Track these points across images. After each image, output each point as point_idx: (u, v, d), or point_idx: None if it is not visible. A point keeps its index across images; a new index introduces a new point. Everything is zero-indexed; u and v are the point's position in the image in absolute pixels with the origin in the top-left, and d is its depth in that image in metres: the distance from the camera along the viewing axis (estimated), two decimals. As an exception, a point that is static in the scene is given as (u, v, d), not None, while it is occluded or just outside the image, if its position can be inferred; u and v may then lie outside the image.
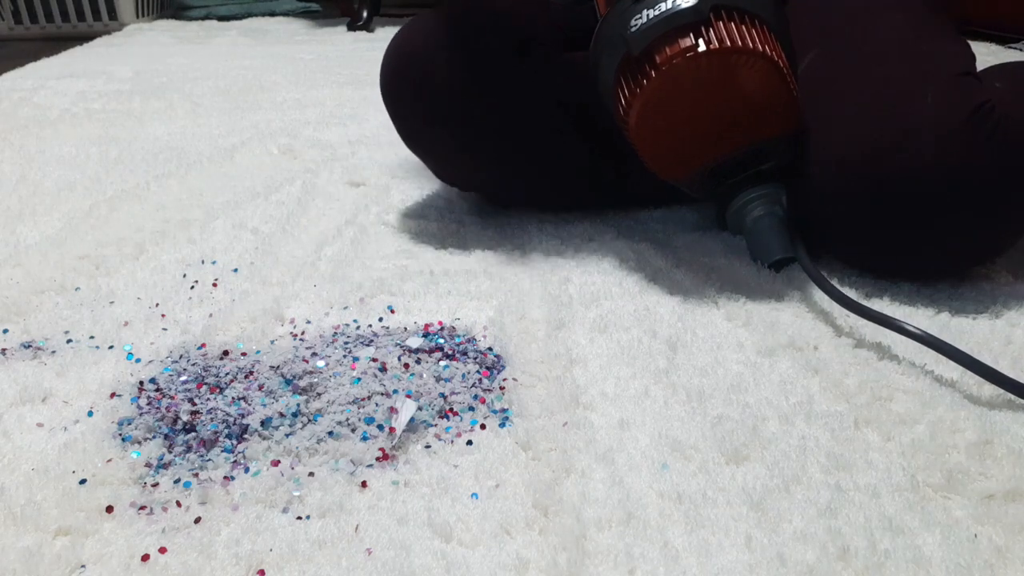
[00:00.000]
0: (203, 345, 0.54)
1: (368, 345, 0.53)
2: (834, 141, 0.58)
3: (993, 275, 0.61)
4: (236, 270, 0.66)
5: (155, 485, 0.42)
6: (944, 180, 0.53)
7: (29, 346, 0.55)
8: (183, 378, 0.50)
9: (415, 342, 0.53)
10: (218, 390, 0.49)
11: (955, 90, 0.55)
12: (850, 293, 0.59)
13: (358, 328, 0.56)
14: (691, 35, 0.54)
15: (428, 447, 0.44)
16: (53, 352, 0.54)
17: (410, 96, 0.68)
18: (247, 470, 0.43)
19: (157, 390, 0.49)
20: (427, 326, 0.56)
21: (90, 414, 0.47)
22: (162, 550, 0.38)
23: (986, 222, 0.55)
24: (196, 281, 0.64)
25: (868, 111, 0.57)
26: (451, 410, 0.47)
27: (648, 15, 0.55)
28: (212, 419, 0.46)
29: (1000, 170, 0.53)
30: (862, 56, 0.61)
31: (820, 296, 0.59)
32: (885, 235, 0.57)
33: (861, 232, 0.59)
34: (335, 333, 0.56)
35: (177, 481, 0.42)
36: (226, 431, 0.45)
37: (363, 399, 0.47)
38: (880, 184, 0.55)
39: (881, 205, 0.56)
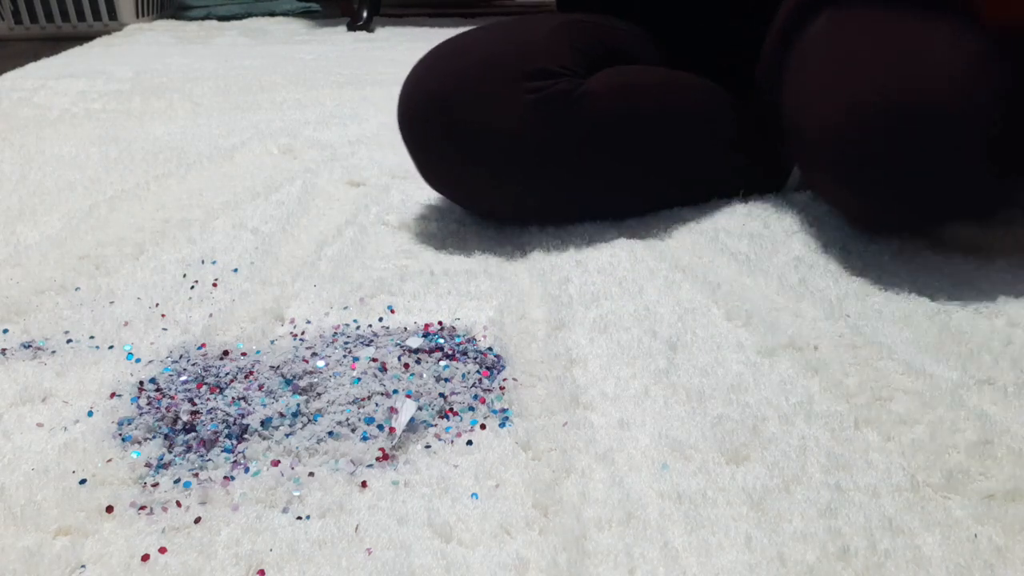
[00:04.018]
0: (203, 345, 0.54)
1: (368, 345, 0.53)
2: (845, 85, 0.59)
3: (993, 275, 0.61)
4: (236, 270, 0.66)
5: (155, 485, 0.42)
6: (955, 117, 0.54)
7: (29, 346, 0.55)
8: (183, 378, 0.50)
9: (415, 342, 0.53)
10: (218, 390, 0.49)
11: (966, 30, 0.55)
12: (846, 290, 0.59)
13: (358, 328, 0.56)
14: None
15: (428, 447, 0.44)
16: (53, 352, 0.54)
17: (430, 135, 0.68)
18: (247, 470, 0.43)
19: (157, 390, 0.49)
20: (427, 326, 0.56)
21: (90, 414, 0.47)
22: (162, 550, 0.38)
23: (997, 160, 0.56)
24: (196, 281, 0.64)
25: (879, 55, 0.58)
26: (451, 410, 0.47)
27: None
28: (212, 419, 0.46)
29: (1010, 107, 0.54)
30: (873, 13, 0.61)
31: (820, 296, 0.59)
32: (894, 175, 0.58)
33: (869, 174, 0.59)
34: (335, 333, 0.56)
35: (177, 481, 0.42)
36: (226, 431, 0.45)
37: (363, 399, 0.47)
38: (891, 124, 0.56)
39: (891, 145, 0.56)
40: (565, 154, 0.68)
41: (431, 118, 0.67)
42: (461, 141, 0.67)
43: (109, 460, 0.43)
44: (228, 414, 0.46)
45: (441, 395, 0.48)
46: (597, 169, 0.70)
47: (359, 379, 0.49)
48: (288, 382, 0.49)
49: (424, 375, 0.50)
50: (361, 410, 0.47)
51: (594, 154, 0.68)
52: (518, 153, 0.67)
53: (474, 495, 0.41)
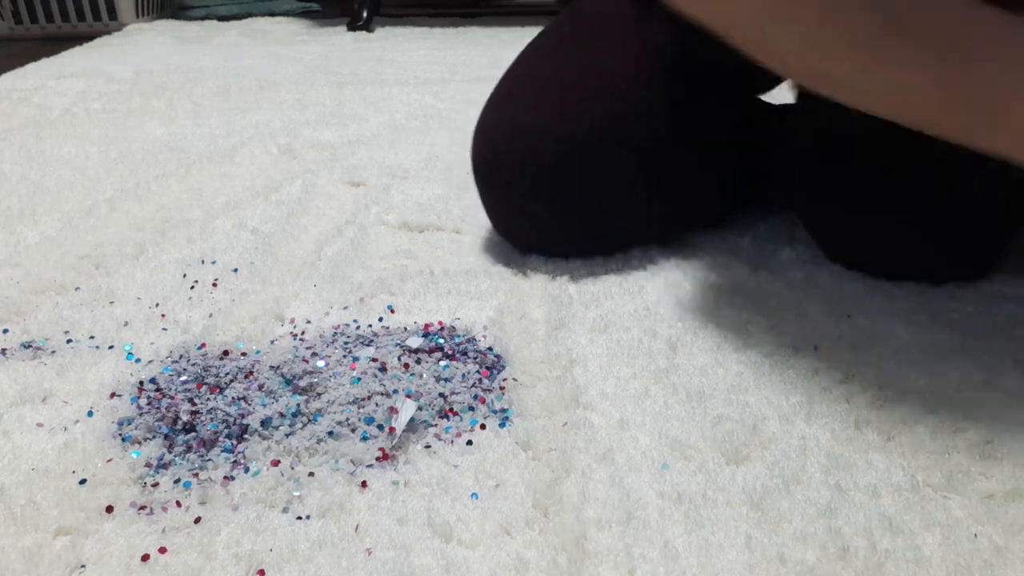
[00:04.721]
0: (203, 345, 0.54)
1: (368, 345, 0.53)
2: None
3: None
4: (236, 270, 0.66)
5: (155, 485, 0.42)
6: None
7: (29, 346, 0.55)
8: (183, 378, 0.50)
9: (415, 342, 0.53)
10: (218, 390, 0.49)
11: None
12: (847, 290, 0.59)
13: (358, 328, 0.56)
14: None
15: (428, 447, 0.44)
16: (53, 352, 0.54)
17: (511, 182, 0.63)
18: (247, 470, 0.43)
19: (157, 390, 0.49)
20: (427, 326, 0.56)
21: (90, 414, 0.47)
22: (162, 550, 0.38)
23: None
24: (196, 281, 0.64)
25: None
26: (451, 410, 0.47)
27: None
28: (212, 419, 0.46)
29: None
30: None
31: (820, 296, 0.59)
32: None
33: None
34: (335, 333, 0.56)
35: (177, 481, 0.42)
36: (226, 431, 0.45)
37: (363, 399, 0.47)
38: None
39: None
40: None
41: (510, 164, 0.62)
42: (540, 186, 0.63)
43: (109, 460, 0.43)
44: (228, 414, 0.46)
45: (441, 395, 0.48)
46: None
47: (359, 379, 0.49)
48: (288, 382, 0.49)
49: (424, 375, 0.50)
50: (361, 410, 0.47)
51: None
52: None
53: (474, 495, 0.41)
